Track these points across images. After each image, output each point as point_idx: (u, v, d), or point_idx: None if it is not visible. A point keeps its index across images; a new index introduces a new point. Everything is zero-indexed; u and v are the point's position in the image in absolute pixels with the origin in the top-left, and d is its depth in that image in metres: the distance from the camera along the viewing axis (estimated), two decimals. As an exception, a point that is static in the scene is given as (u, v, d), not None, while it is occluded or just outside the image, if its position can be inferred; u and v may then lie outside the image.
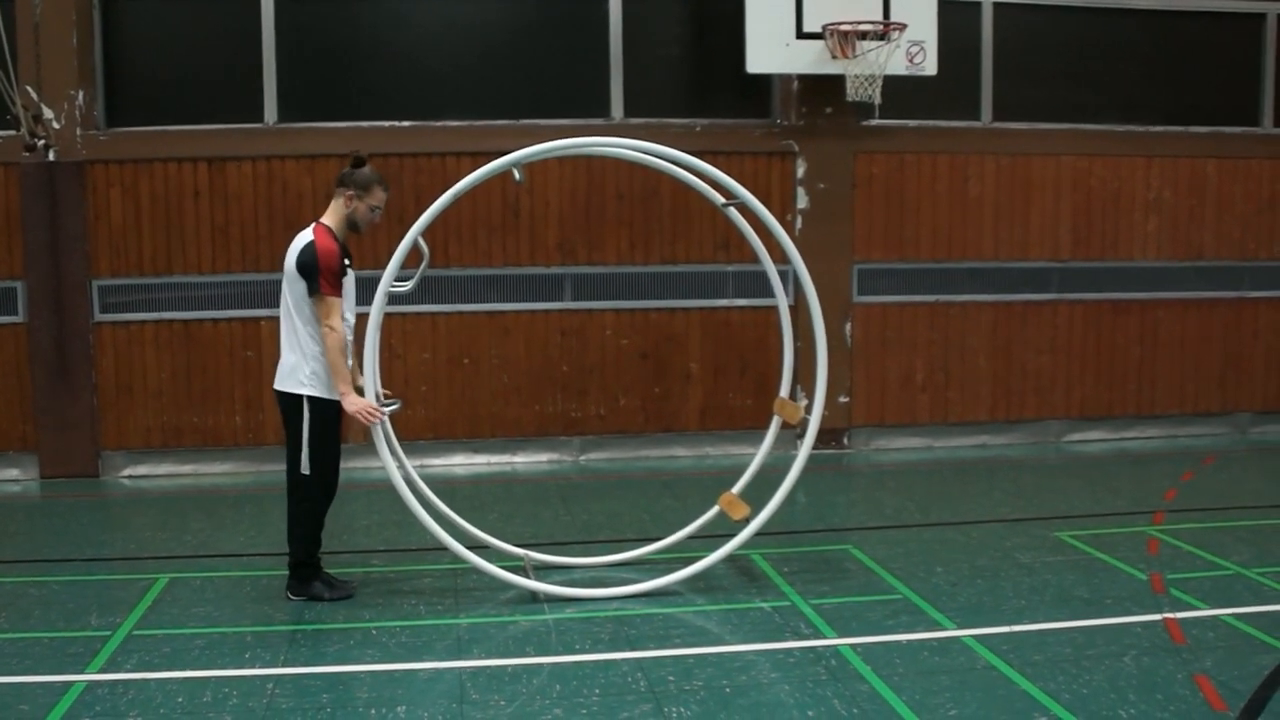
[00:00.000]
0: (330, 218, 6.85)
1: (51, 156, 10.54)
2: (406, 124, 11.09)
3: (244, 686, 5.65)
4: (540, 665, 5.86)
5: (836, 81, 10.88)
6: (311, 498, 6.84)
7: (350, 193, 6.82)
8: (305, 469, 6.73)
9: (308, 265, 6.58)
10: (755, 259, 11.17)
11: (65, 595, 6.98)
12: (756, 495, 7.47)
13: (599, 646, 6.13)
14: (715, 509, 7.70)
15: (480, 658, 5.98)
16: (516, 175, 6.96)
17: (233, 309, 10.96)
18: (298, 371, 6.73)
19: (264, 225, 10.90)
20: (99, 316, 10.92)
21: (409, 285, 7.00)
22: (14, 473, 10.94)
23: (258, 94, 11.08)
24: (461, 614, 6.67)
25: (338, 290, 6.60)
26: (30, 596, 7.10)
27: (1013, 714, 5.20)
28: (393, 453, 6.88)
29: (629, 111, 11.35)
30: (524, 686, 5.57)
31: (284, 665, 5.93)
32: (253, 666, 5.92)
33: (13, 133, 10.40)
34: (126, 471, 11.05)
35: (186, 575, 7.36)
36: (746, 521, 7.26)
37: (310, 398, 6.73)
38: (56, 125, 10.64)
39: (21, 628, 6.57)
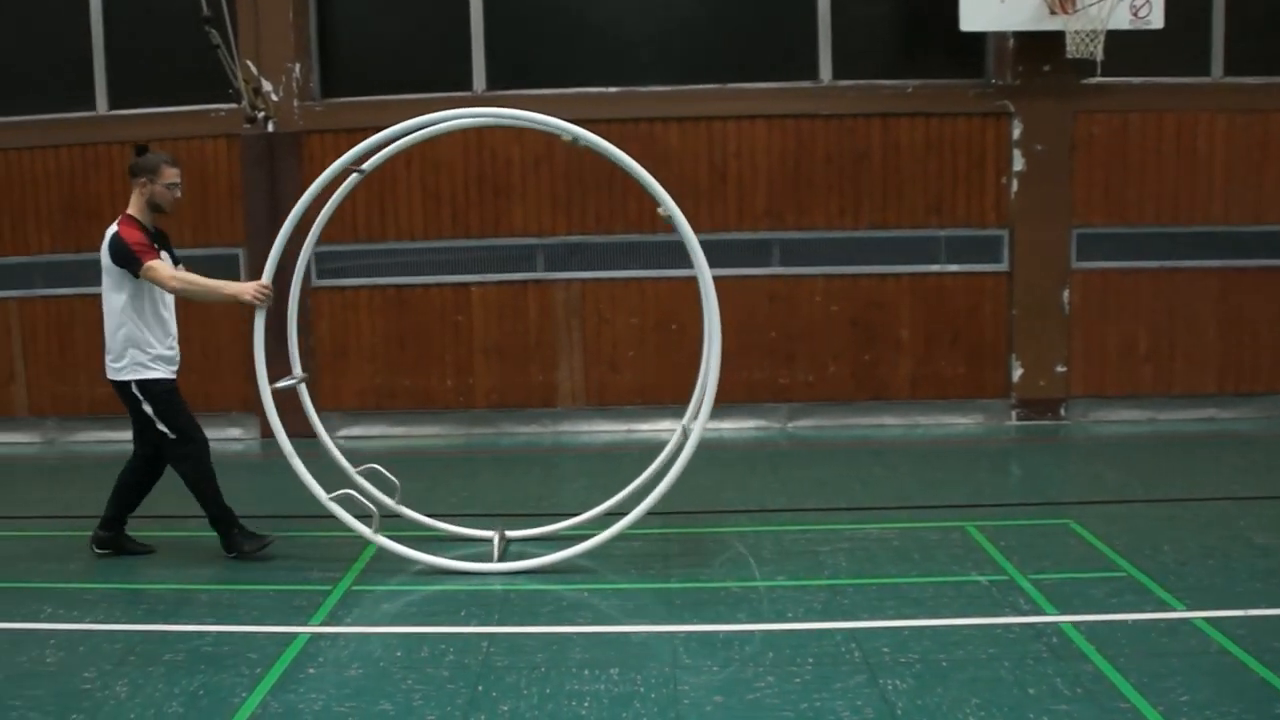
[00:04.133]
0: (133, 208, 7.09)
1: (270, 128, 10.90)
2: (613, 90, 11.10)
3: (460, 644, 5.73)
4: (752, 632, 5.79)
5: (1055, 38, 10.48)
6: (192, 455, 7.14)
7: (142, 180, 7.04)
8: (172, 433, 7.08)
9: (120, 253, 6.88)
10: (969, 223, 11.00)
11: (288, 550, 7.19)
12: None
13: (811, 615, 6.03)
14: (636, 483, 7.38)
15: (692, 623, 5.94)
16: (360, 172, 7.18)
17: (444, 274, 11.16)
18: (119, 360, 7.03)
19: (474, 192, 11.06)
20: (316, 282, 11.26)
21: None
22: (236, 432, 11.39)
23: (467, 63, 11.25)
24: (673, 579, 6.65)
25: (154, 255, 6.87)
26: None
27: (1249, 703, 4.89)
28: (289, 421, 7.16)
29: (838, 73, 11.15)
30: (736, 653, 5.51)
31: (498, 624, 6.00)
32: (468, 624, 6.00)
33: (234, 106, 10.77)
34: (342, 432, 11.38)
35: (401, 534, 7.50)
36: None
37: (137, 381, 7.01)
38: (275, 97, 10.99)
39: (247, 580, 6.84)
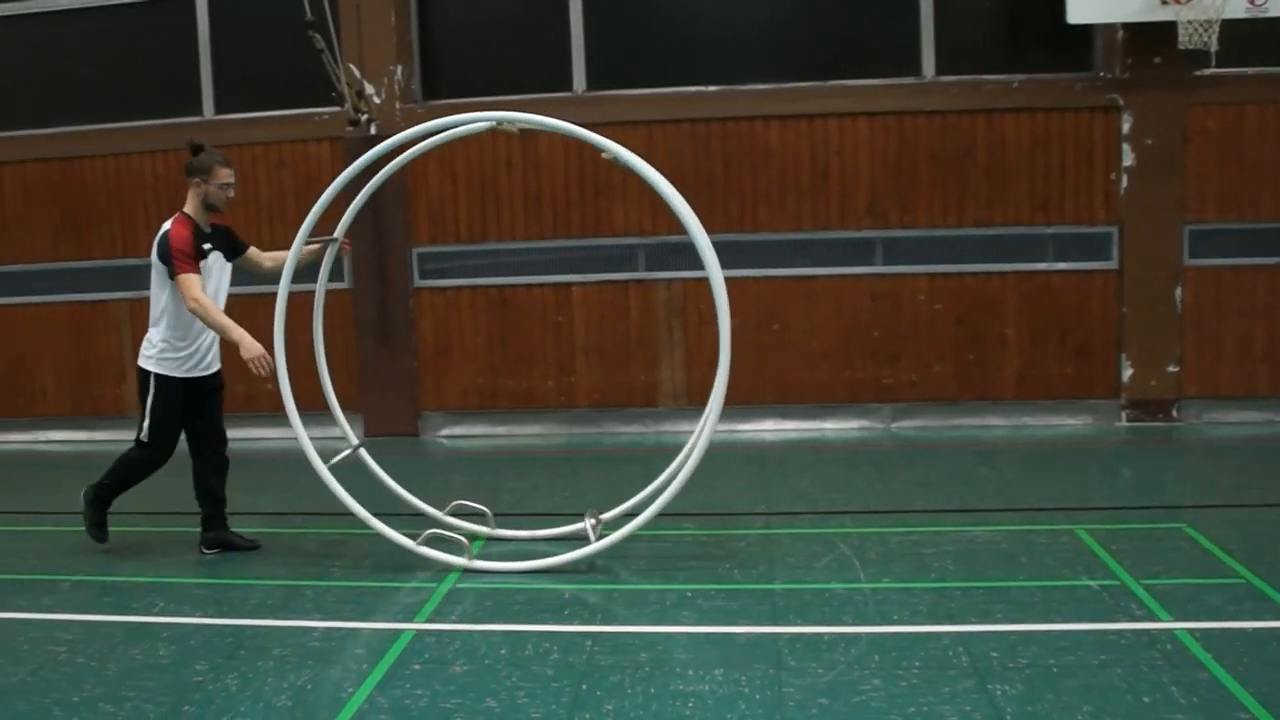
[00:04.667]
0: (189, 206, 7.23)
1: (373, 130, 11.01)
2: (713, 89, 11.06)
3: (564, 642, 5.73)
4: (858, 635, 5.71)
5: (1166, 29, 10.20)
6: (145, 461, 7.37)
7: (196, 180, 7.20)
8: (144, 436, 7.27)
9: (164, 253, 7.06)
10: (1077, 220, 10.78)
11: (392, 548, 7.23)
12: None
13: (918, 618, 5.94)
14: (655, 484, 7.24)
15: (796, 624, 5.88)
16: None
17: (545, 274, 11.21)
18: (149, 349, 7.26)
19: (574, 192, 11.08)
20: (418, 282, 11.38)
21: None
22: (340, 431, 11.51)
23: (566, 63, 11.29)
24: (776, 580, 6.59)
25: (192, 268, 6.98)
26: (360, 548, 7.43)
27: (1377, 715, 4.72)
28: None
29: (941, 69, 10.97)
30: (841, 655, 5.44)
31: (601, 623, 6.01)
32: (571, 623, 6.01)
33: (337, 109, 10.92)
34: (444, 431, 11.49)
35: (503, 532, 7.55)
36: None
37: (156, 375, 7.21)
38: (377, 100, 11.12)
39: (354, 577, 6.92)
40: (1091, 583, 6.41)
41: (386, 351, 11.37)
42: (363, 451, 7.57)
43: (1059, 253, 10.83)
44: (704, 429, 6.83)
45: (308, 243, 7.23)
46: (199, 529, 7.53)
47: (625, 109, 11.03)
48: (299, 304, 11.41)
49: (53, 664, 5.65)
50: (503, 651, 5.61)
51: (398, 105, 11.12)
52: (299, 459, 7.27)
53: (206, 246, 7.18)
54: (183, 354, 7.23)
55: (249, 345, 6.89)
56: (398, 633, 5.90)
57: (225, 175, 7.24)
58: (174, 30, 11.75)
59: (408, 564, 7.02)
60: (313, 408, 11.33)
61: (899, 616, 5.96)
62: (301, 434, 7.13)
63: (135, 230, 11.64)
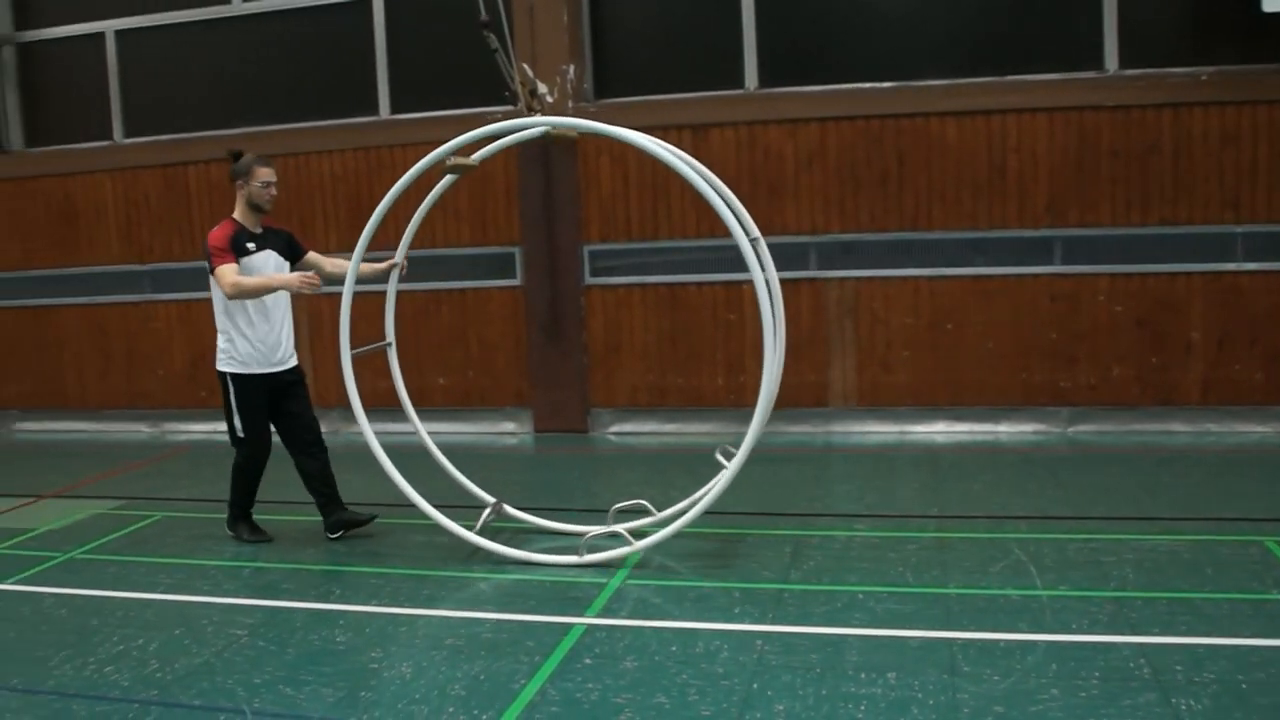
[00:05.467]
0: (236, 211, 7.62)
1: (545, 129, 11.14)
2: (887, 85, 10.90)
3: (734, 641, 5.74)
4: (1034, 642, 5.57)
5: (1372, 15, 9.70)
6: (247, 457, 7.77)
7: (239, 182, 7.57)
8: (240, 433, 7.70)
9: (205, 252, 7.45)
10: (1270, 219, 10.32)
11: (564, 543, 7.30)
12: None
13: (1097, 627, 5.77)
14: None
15: (970, 630, 5.77)
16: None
17: (715, 273, 11.18)
18: (220, 353, 7.66)
19: (746, 189, 10.97)
20: (589, 280, 11.47)
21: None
22: (511, 426, 11.72)
23: (738, 61, 11.25)
24: (950, 584, 6.47)
25: (226, 259, 7.33)
26: (532, 542, 7.52)
27: None
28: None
29: (1124, 62, 10.59)
30: (1018, 663, 5.32)
31: (772, 623, 5.98)
32: (741, 622, 6.01)
33: (510, 108, 11.05)
34: (613, 428, 11.57)
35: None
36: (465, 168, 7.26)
37: (231, 374, 7.62)
38: (550, 99, 11.23)
39: (525, 570, 7.03)
40: (1283, 597, 6.16)
41: (557, 348, 11.50)
42: (506, 506, 7.70)
43: (1249, 252, 10.37)
44: (752, 430, 6.94)
45: (366, 260, 7.52)
46: (332, 518, 7.83)
47: (797, 106, 10.95)
48: (474, 300, 11.71)
49: (235, 646, 5.86)
50: (673, 648, 5.64)
51: (570, 104, 11.23)
52: (464, 452, 7.41)
53: (250, 246, 7.49)
54: (250, 349, 7.56)
55: (289, 281, 7.28)
56: (569, 626, 5.97)
57: (264, 174, 7.56)
58: (351, 31, 12.08)
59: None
60: (481, 404, 11.67)
61: (1077, 625, 5.81)
62: (366, 429, 7.29)
63: (313, 228, 11.96)
